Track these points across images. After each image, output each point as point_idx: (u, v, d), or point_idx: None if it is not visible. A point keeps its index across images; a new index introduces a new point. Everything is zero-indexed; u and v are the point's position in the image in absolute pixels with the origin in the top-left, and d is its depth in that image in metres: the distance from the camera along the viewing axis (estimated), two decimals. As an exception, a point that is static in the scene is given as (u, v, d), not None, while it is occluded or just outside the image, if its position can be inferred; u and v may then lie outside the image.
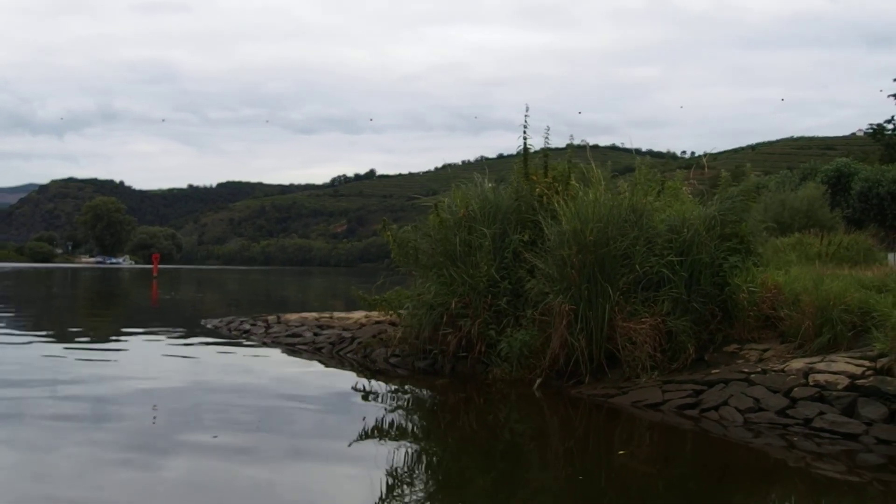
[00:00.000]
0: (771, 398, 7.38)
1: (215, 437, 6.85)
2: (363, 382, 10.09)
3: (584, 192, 9.89)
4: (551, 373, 9.32)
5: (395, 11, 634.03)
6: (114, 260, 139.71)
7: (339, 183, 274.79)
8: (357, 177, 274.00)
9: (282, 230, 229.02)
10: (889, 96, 44.39)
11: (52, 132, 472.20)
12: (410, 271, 11.42)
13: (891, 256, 16.56)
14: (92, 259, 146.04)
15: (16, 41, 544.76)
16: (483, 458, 6.90)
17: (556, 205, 9.85)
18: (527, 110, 11.19)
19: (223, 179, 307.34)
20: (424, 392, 9.88)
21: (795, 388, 7.36)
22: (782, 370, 7.74)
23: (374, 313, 12.79)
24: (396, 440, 7.11)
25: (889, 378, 6.98)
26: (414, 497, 5.38)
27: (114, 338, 14.94)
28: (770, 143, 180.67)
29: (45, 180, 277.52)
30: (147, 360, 12.03)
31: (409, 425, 7.99)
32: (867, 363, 7.36)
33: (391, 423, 7.74)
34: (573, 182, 10.58)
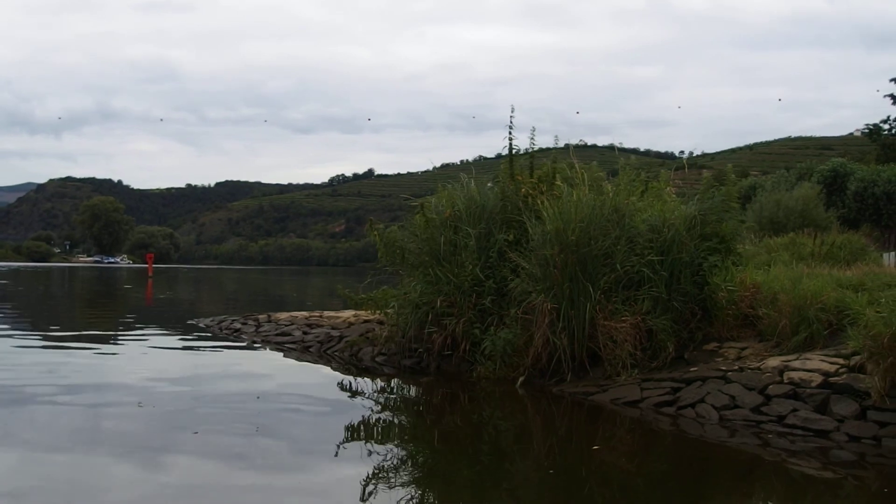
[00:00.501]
0: (746, 395, 7.49)
1: (196, 432, 6.95)
2: (350, 381, 10.19)
3: (568, 192, 10.00)
4: (534, 371, 9.43)
5: (396, 10, 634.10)
6: (111, 259, 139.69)
7: (338, 182, 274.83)
8: (356, 176, 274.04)
9: (280, 230, 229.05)
10: (885, 96, 44.62)
11: (50, 131, 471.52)
12: (397, 271, 11.53)
13: (885, 256, 16.68)
14: (89, 258, 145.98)
15: (15, 39, 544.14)
16: (468, 453, 7.01)
17: (540, 205, 9.97)
18: (512, 111, 11.35)
19: (222, 179, 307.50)
20: (410, 390, 9.99)
21: (770, 386, 7.47)
22: (758, 368, 7.85)
23: (364, 312, 12.90)
24: (382, 438, 7.20)
25: (861, 375, 7.08)
26: (401, 492, 5.46)
27: (104, 337, 15.04)
28: (768, 144, 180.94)
29: (42, 179, 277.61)
30: (134, 359, 12.11)
31: (395, 423, 8.10)
32: (841, 361, 7.47)
33: (377, 421, 7.85)
34: (558, 183, 10.69)
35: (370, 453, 6.45)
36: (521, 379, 9.36)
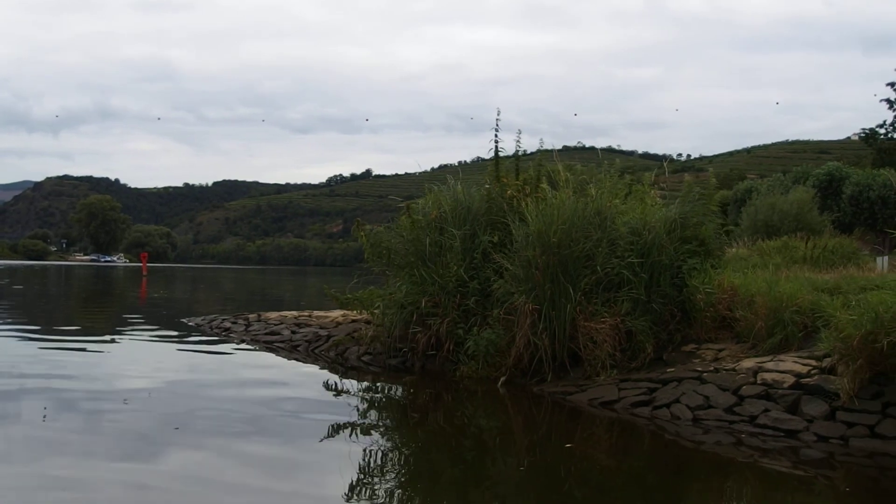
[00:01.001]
0: (720, 396, 7.62)
1: (176, 428, 7.07)
2: (335, 380, 10.31)
3: (552, 194, 10.13)
4: (516, 371, 9.55)
5: (394, 10, 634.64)
6: (108, 258, 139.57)
7: (336, 183, 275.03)
8: (353, 177, 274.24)
9: (277, 230, 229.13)
10: (882, 101, 44.74)
11: (47, 129, 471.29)
12: (384, 271, 11.65)
13: (879, 260, 16.76)
14: (86, 257, 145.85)
15: (13, 37, 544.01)
16: (451, 452, 7.14)
17: (524, 207, 10.10)
18: (498, 114, 11.47)
19: (219, 178, 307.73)
20: (394, 389, 10.09)
21: (744, 387, 7.60)
22: (733, 369, 7.98)
23: (352, 312, 13.03)
24: (367, 436, 7.28)
25: (832, 377, 7.21)
26: (385, 489, 5.58)
27: (95, 336, 15.13)
28: (765, 147, 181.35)
29: (40, 177, 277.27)
30: (121, 357, 12.25)
31: (380, 421, 8.21)
32: (813, 362, 7.61)
33: (361, 420, 7.94)
34: (543, 185, 10.82)
35: (354, 451, 6.52)
36: (502, 379, 9.48)
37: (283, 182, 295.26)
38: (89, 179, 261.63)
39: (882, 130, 46.31)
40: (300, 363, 11.66)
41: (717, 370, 8.09)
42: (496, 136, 11.38)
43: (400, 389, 10.04)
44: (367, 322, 12.08)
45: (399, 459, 6.68)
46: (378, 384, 10.28)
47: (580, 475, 6.37)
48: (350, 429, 7.48)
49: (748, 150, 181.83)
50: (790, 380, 7.43)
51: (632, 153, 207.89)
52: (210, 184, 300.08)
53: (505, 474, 6.39)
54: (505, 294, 9.75)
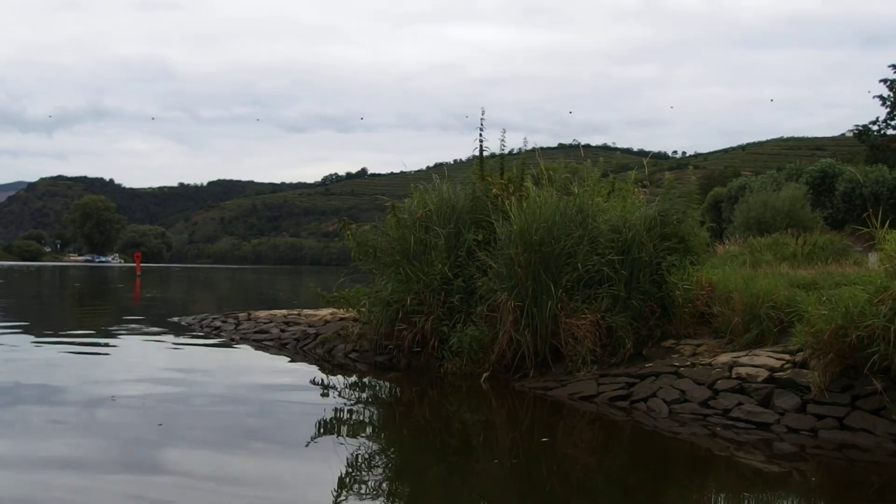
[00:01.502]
0: (696, 390, 7.77)
1: (160, 424, 7.19)
2: (322, 377, 10.44)
3: (535, 193, 10.27)
4: (499, 367, 9.69)
5: (389, 10, 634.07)
6: (103, 258, 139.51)
7: (331, 182, 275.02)
8: (349, 175, 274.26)
9: (273, 229, 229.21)
10: (874, 97, 44.87)
11: (41, 130, 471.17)
12: (370, 270, 11.78)
13: (871, 256, 16.88)
14: (81, 258, 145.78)
15: (6, 37, 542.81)
16: (436, 447, 7.28)
17: (508, 205, 10.24)
18: (482, 114, 11.60)
19: (214, 178, 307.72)
20: (380, 386, 10.23)
21: (719, 381, 7.76)
22: (709, 364, 8.14)
23: (340, 311, 13.16)
24: (354, 432, 7.41)
25: (804, 371, 7.36)
26: (371, 486, 5.66)
27: (85, 336, 15.22)
28: (760, 144, 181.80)
29: (34, 178, 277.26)
30: (112, 356, 12.37)
31: (366, 418, 8.32)
32: (787, 357, 7.76)
33: (348, 416, 8.07)
34: (527, 184, 10.96)
35: (340, 447, 6.63)
36: (485, 375, 9.62)
37: (278, 181, 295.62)
38: (84, 179, 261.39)
39: (875, 127, 46.44)
40: (288, 361, 11.79)
41: (693, 365, 8.25)
42: (480, 135, 11.54)
43: (386, 386, 10.17)
44: (355, 320, 12.20)
45: (384, 455, 6.80)
46: (364, 381, 10.41)
47: (557, 468, 6.51)
48: (336, 425, 7.60)
49: (743, 147, 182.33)
50: (764, 374, 7.59)
51: (628, 151, 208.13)
52: (205, 183, 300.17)
53: (487, 468, 6.50)
54: (488, 291, 9.89)
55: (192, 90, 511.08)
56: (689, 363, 8.34)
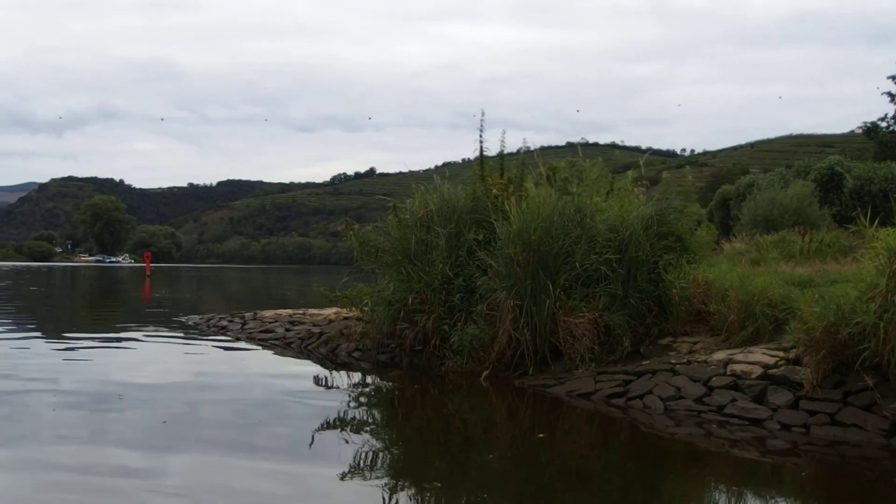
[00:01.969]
0: (691, 387, 7.88)
1: (164, 422, 7.34)
2: (326, 375, 10.58)
3: (535, 193, 10.39)
4: (499, 365, 9.81)
5: (394, 9, 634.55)
6: (113, 259, 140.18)
7: (340, 181, 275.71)
8: (357, 175, 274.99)
9: (282, 229, 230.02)
10: (883, 94, 44.72)
11: (51, 131, 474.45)
12: (373, 269, 11.92)
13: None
14: (91, 258, 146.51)
15: (16, 39, 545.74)
16: (438, 442, 7.44)
17: (508, 206, 10.37)
18: (482, 115, 11.70)
19: (223, 178, 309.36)
20: (383, 384, 10.36)
21: (714, 378, 7.86)
22: (705, 361, 8.25)
23: (345, 310, 13.31)
24: (357, 428, 7.53)
25: (798, 368, 7.46)
26: (374, 482, 5.76)
27: (95, 335, 15.41)
28: (769, 141, 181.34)
29: (44, 179, 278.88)
30: (119, 355, 12.53)
31: (369, 415, 8.45)
32: (781, 354, 7.86)
33: (352, 413, 8.20)
34: (528, 184, 11.08)
35: (343, 445, 6.73)
36: (485, 373, 9.75)
37: (287, 181, 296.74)
38: (94, 180, 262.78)
39: (883, 124, 46.31)
40: (293, 359, 11.95)
41: (689, 362, 8.36)
42: (480, 136, 11.65)
43: (388, 384, 10.31)
44: (358, 319, 12.34)
45: (387, 451, 6.90)
46: (367, 379, 10.55)
47: (554, 462, 6.64)
48: (340, 422, 7.70)
49: (752, 145, 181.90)
50: (758, 370, 7.69)
51: (636, 149, 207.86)
52: (214, 183, 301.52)
53: (488, 462, 6.64)
54: (488, 290, 10.02)
55: (199, 90, 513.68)
56: (685, 360, 8.45)
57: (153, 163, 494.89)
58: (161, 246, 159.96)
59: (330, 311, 14.39)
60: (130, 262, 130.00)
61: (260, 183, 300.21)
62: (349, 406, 8.65)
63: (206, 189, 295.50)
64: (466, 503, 5.51)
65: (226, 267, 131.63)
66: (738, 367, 7.85)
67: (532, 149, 12.12)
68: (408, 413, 8.80)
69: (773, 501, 5.73)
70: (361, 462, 6.28)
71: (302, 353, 12.46)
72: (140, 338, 14.52)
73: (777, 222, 25.83)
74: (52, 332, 16.06)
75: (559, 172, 11.51)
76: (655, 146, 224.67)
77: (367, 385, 10.26)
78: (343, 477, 5.77)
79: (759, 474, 6.33)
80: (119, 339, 14.50)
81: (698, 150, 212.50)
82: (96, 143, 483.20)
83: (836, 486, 6.21)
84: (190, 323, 16.96)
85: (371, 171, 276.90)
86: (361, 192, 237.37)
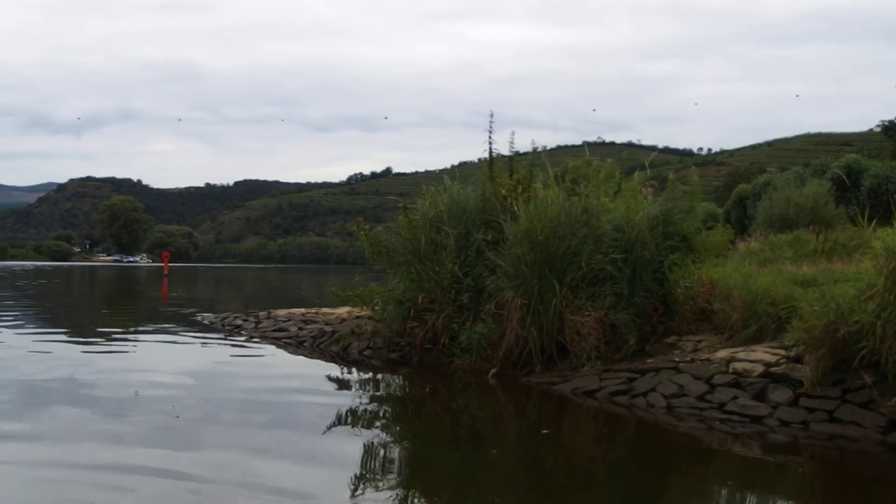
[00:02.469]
0: (693, 385, 8.00)
1: (177, 417, 7.56)
2: (337, 373, 10.80)
3: (543, 194, 10.55)
4: (507, 363, 9.98)
5: (411, 9, 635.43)
6: (131, 258, 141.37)
7: (356, 181, 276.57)
8: (373, 175, 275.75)
9: (299, 228, 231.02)
10: (901, 92, 44.34)
11: (70, 132, 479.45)
12: (384, 269, 12.12)
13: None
14: (109, 258, 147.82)
15: (35, 41, 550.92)
16: (447, 438, 7.61)
17: (515, 206, 10.53)
18: (491, 116, 11.88)
19: (240, 178, 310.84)
20: (393, 381, 10.55)
21: (716, 376, 7.98)
22: (708, 359, 8.37)
23: (356, 309, 13.52)
24: (368, 424, 7.71)
25: (798, 365, 7.58)
26: (387, 473, 5.95)
27: (112, 333, 15.71)
28: (787, 140, 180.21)
29: (63, 179, 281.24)
30: (135, 353, 12.81)
31: (380, 411, 8.61)
32: (782, 352, 7.97)
33: (363, 410, 8.35)
34: (537, 184, 11.24)
35: (355, 441, 6.87)
36: (493, 371, 9.91)
37: (303, 181, 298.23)
38: (112, 180, 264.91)
39: (901, 122, 46.15)
40: (305, 358, 12.17)
41: (692, 360, 8.48)
42: (490, 137, 11.83)
43: (397, 381, 10.50)
44: (370, 318, 12.54)
45: (397, 447, 7.03)
46: (378, 377, 10.76)
47: (557, 458, 6.81)
48: (351, 418, 7.85)
49: (769, 144, 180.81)
50: (759, 368, 7.81)
51: (653, 148, 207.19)
52: (231, 183, 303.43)
53: (495, 457, 6.79)
54: (496, 290, 10.18)
55: (216, 91, 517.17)
56: (688, 359, 8.57)
57: (171, 163, 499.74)
58: (178, 246, 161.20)
59: (342, 311, 14.60)
60: (148, 262, 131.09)
61: (277, 183, 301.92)
62: (360, 403, 8.83)
63: (224, 189, 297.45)
64: (473, 497, 5.67)
65: (243, 267, 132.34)
66: (740, 366, 7.97)
67: (541, 149, 12.27)
68: (417, 409, 8.98)
69: (771, 496, 5.86)
70: (372, 458, 6.43)
71: (314, 351, 12.68)
72: (157, 337, 14.80)
73: (793, 222, 25.80)
74: (72, 330, 16.36)
75: (570, 172, 11.64)
76: (672, 145, 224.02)
77: (377, 382, 10.46)
78: (355, 473, 5.89)
79: (759, 470, 6.45)
80: (136, 338, 14.79)
81: (715, 148, 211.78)
82: (114, 144, 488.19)
83: (836, 479, 6.34)
84: (205, 322, 17.24)
85: (387, 171, 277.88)
86: (378, 191, 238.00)
